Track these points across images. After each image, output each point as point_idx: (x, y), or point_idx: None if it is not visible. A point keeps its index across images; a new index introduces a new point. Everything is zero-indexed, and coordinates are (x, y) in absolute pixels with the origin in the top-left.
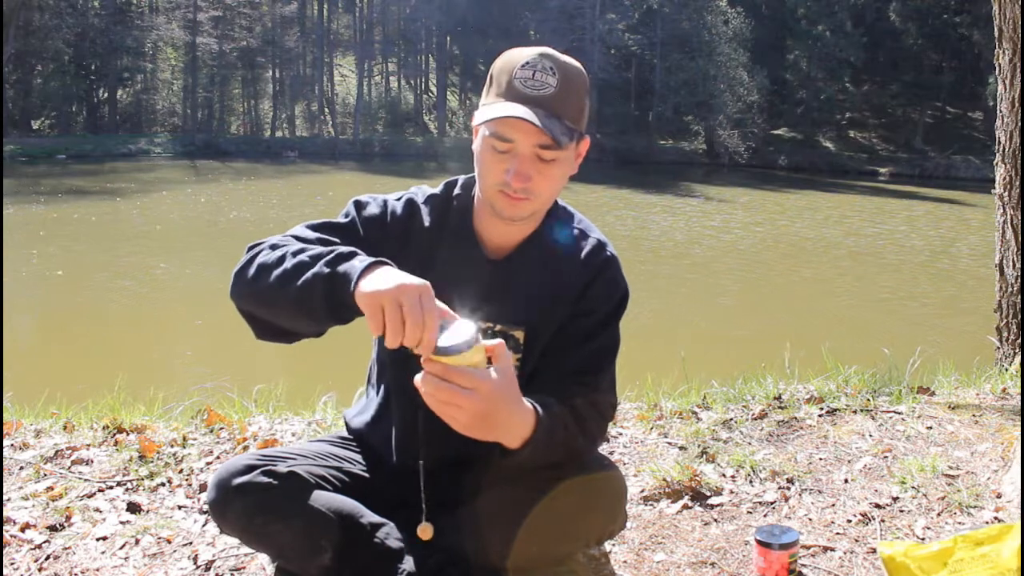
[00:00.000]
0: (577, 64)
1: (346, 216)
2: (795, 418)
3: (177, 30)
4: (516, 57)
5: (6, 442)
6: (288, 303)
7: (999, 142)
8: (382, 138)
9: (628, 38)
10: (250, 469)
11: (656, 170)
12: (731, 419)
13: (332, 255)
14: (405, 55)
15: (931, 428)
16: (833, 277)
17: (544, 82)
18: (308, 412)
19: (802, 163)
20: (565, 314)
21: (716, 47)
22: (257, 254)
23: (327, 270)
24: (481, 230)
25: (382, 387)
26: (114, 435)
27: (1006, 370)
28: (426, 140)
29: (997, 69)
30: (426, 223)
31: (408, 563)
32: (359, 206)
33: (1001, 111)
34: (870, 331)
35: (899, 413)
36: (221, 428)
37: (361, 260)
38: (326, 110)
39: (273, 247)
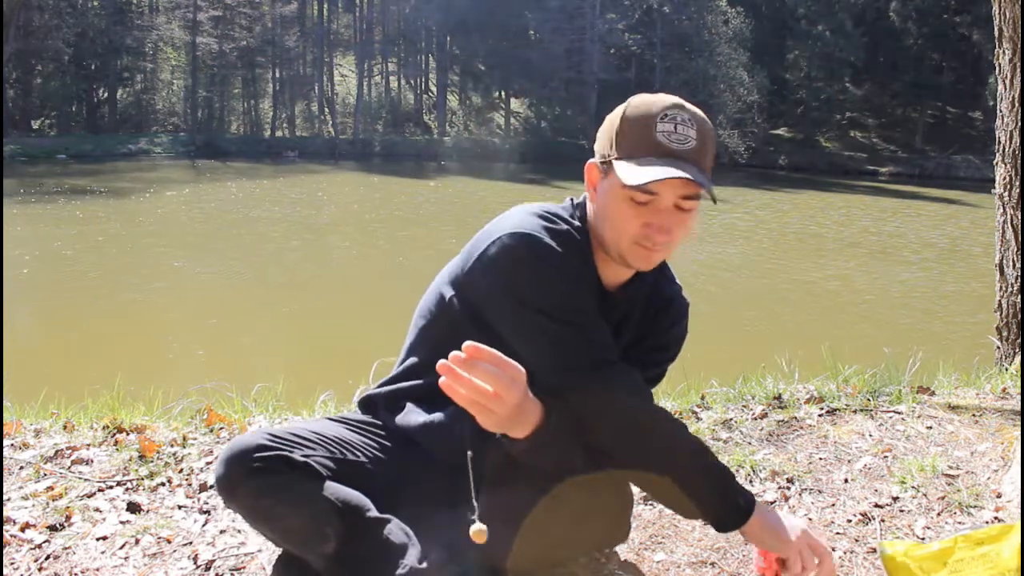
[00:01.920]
0: (702, 114)
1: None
2: (795, 418)
3: (177, 30)
4: (650, 107)
5: (6, 442)
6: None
7: (999, 142)
8: (382, 138)
9: (628, 38)
10: (262, 449)
11: None
12: (731, 419)
13: (725, 482)
14: (405, 55)
15: (931, 428)
16: (833, 277)
17: (687, 135)
18: (308, 412)
19: (802, 163)
20: (645, 346)
21: (716, 47)
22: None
23: (721, 502)
24: (598, 265)
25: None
26: (114, 435)
27: (1006, 370)
28: (426, 140)
29: (997, 69)
30: (561, 254)
31: (410, 558)
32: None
33: (1001, 111)
34: (870, 331)
35: (899, 413)
36: (221, 428)
37: (747, 502)
38: (326, 110)
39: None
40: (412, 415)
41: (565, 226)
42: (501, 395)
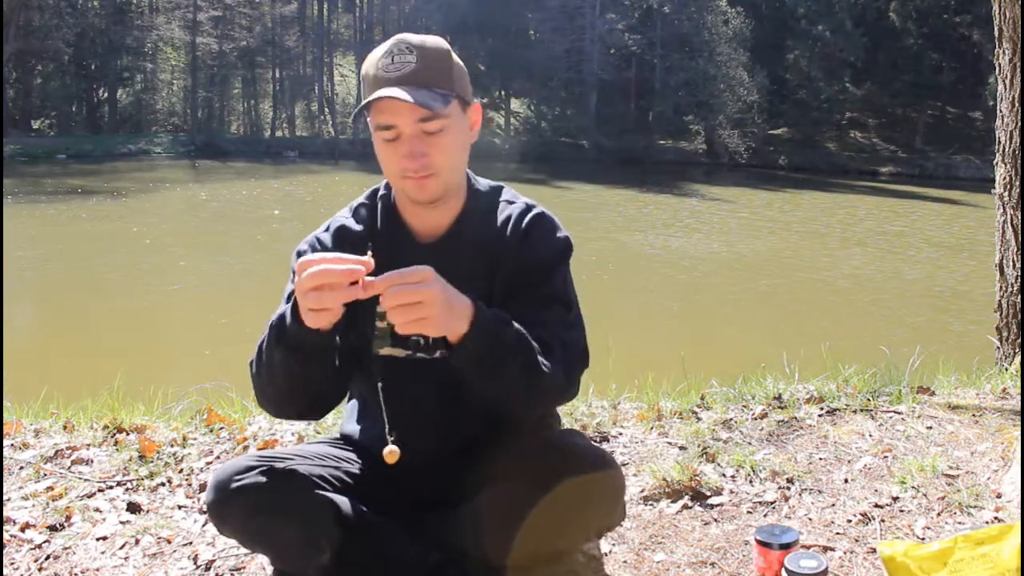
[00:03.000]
0: (436, 38)
1: (294, 274)
2: (795, 418)
3: (177, 30)
4: (375, 55)
5: (6, 442)
6: (274, 375)
7: (999, 142)
8: None
9: (628, 38)
10: (248, 470)
11: (656, 170)
12: (731, 419)
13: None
14: None
15: (931, 428)
16: (835, 277)
17: (403, 61)
18: None
19: (802, 163)
20: (507, 278)
21: (716, 47)
22: (252, 363)
23: (271, 330)
24: (411, 221)
25: (359, 390)
26: (114, 435)
27: (1006, 370)
28: None
29: (997, 69)
30: (358, 232)
31: (408, 560)
32: (300, 257)
33: (1001, 111)
34: (871, 330)
35: (899, 413)
36: (221, 428)
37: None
38: (326, 110)
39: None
40: (351, 424)
41: (346, 216)
42: (422, 300)
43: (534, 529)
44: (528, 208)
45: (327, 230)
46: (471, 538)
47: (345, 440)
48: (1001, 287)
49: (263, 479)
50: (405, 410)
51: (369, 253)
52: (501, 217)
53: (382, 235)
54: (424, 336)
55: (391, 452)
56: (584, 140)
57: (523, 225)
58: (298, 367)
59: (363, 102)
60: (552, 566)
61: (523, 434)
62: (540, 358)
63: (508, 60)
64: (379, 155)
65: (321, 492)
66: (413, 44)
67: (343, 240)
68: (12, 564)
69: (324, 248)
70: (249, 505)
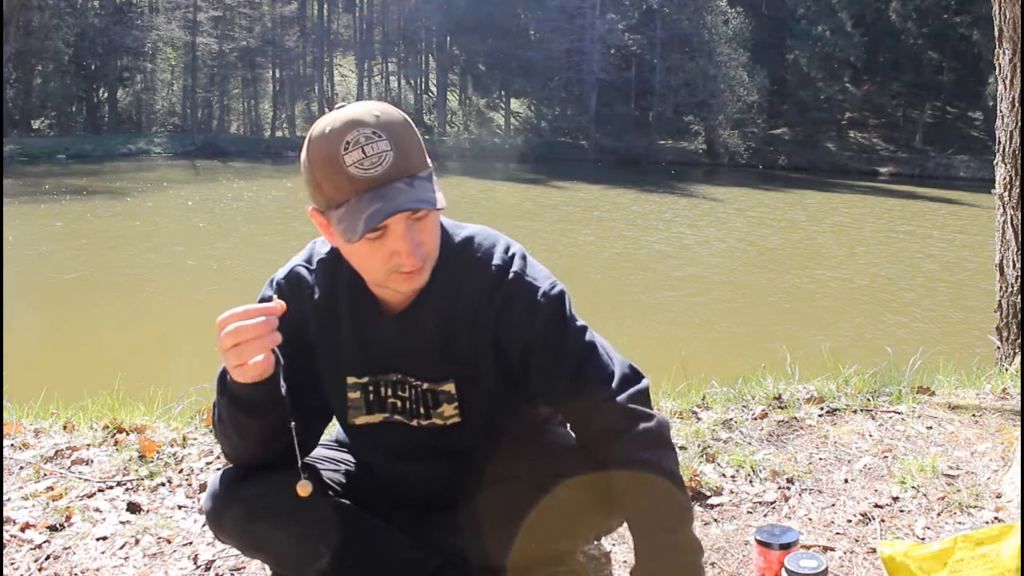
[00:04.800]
0: (387, 107)
1: None
2: (795, 418)
3: (177, 30)
4: (330, 143)
5: (6, 442)
6: (224, 428)
7: (999, 142)
8: None
9: (628, 38)
10: (245, 477)
11: (656, 170)
12: (731, 419)
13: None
14: (405, 55)
15: (931, 428)
16: (836, 278)
17: (378, 153)
18: None
19: (802, 163)
20: (488, 346)
21: (716, 47)
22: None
23: (216, 383)
24: (378, 292)
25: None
26: (114, 435)
27: (1006, 370)
28: (426, 140)
29: (997, 69)
30: (317, 293)
31: (409, 563)
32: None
33: (1001, 111)
34: (871, 331)
35: (899, 413)
36: None
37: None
38: (326, 110)
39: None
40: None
41: (310, 270)
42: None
43: (534, 530)
44: (501, 273)
45: (286, 275)
46: (471, 540)
47: (342, 443)
48: (1001, 287)
49: (260, 486)
50: (396, 466)
51: (274, 297)
52: (475, 281)
53: (345, 302)
54: (401, 399)
55: (303, 485)
56: (584, 140)
57: (501, 302)
58: (245, 420)
59: (366, 225)
60: (553, 567)
61: (523, 436)
62: (657, 454)
63: (508, 60)
64: (355, 255)
65: (319, 496)
66: (375, 125)
67: (300, 288)
68: (12, 564)
69: (279, 292)
70: (247, 512)
